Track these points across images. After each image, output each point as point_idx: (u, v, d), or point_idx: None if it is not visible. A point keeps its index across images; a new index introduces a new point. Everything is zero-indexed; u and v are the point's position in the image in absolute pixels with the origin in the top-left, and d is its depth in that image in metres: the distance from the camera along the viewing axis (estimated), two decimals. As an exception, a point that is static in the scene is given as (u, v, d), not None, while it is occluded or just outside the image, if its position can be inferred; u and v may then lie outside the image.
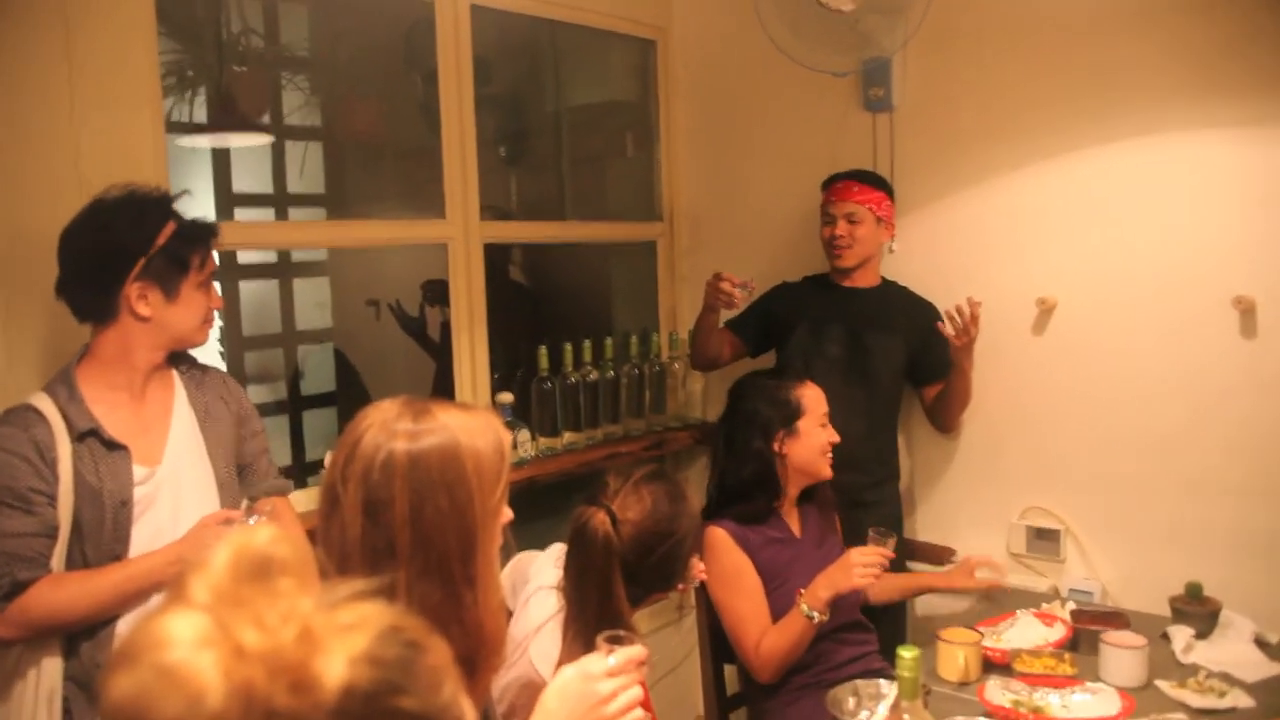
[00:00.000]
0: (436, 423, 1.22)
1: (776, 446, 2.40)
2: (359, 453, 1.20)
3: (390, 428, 1.21)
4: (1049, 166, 2.82)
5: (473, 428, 1.24)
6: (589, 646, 1.64)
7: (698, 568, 2.18)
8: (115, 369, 1.81)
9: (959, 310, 2.66)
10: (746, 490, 2.42)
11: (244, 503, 1.83)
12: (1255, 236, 2.53)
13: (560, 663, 1.70)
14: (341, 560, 1.22)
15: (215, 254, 1.91)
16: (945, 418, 2.97)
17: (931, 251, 3.02)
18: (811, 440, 2.41)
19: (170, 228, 1.79)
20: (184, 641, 0.57)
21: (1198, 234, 2.61)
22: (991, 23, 2.88)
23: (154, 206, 1.80)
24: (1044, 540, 2.89)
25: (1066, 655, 2.12)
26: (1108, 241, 2.74)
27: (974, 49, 2.92)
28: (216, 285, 1.94)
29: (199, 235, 1.84)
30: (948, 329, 2.69)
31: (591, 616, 1.67)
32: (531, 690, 1.75)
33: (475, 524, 1.21)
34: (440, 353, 3.47)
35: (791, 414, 2.40)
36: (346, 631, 0.61)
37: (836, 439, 2.45)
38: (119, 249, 1.75)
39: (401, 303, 3.84)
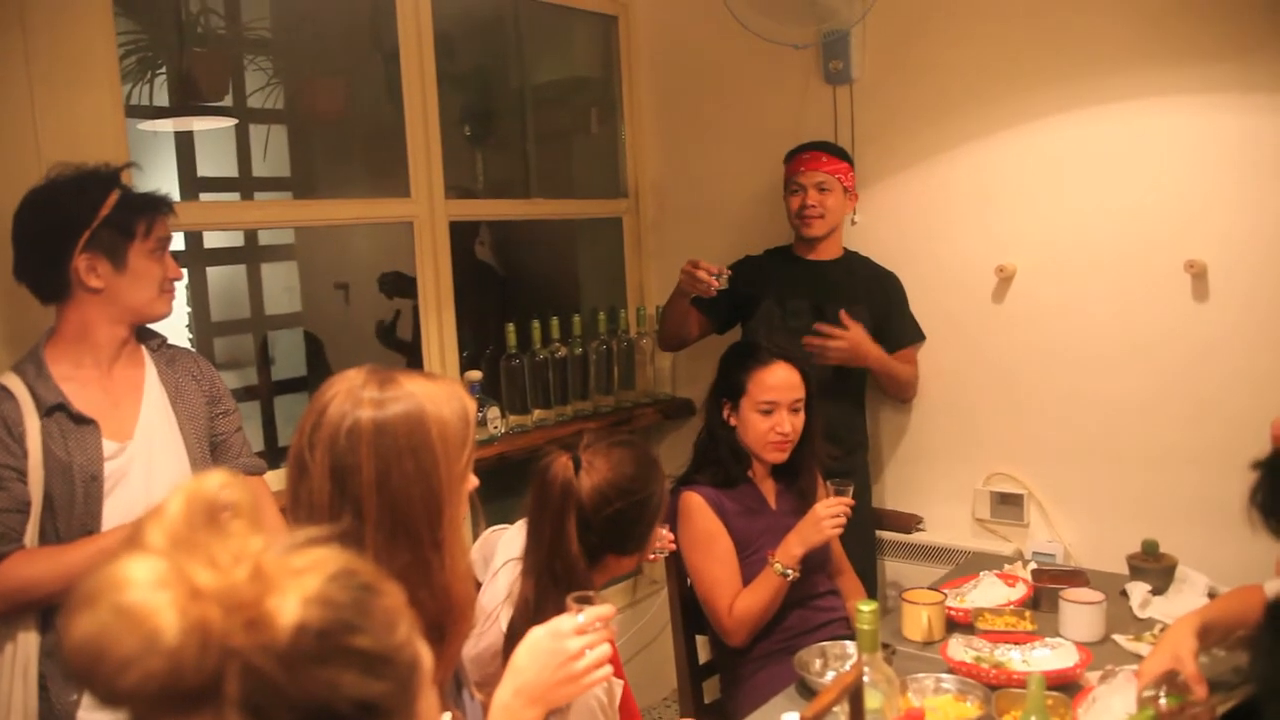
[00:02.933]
0: (402, 390, 1.24)
1: (726, 416, 2.43)
2: (325, 420, 1.22)
3: (356, 395, 1.23)
4: (1007, 136, 2.86)
5: (437, 395, 1.26)
6: (540, 585, 1.68)
7: (666, 538, 2.21)
8: (79, 346, 1.82)
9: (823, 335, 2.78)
10: (714, 453, 2.45)
11: None
12: (1206, 201, 2.58)
13: (514, 601, 1.72)
14: (310, 525, 1.24)
15: (169, 226, 1.90)
16: (893, 393, 3.04)
17: (893, 222, 3.06)
18: (749, 422, 2.40)
19: (114, 197, 1.79)
20: (140, 583, 0.59)
21: (1151, 200, 2.65)
22: (949, -6, 2.91)
23: (96, 179, 1.80)
24: (1008, 505, 2.95)
25: (1027, 613, 2.16)
26: (1065, 209, 2.78)
27: (932, 20, 2.95)
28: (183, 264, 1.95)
29: (143, 204, 1.84)
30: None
31: (544, 555, 1.69)
32: (503, 659, 1.78)
33: (441, 489, 1.23)
34: (411, 349, 3.45)
35: (735, 390, 2.41)
36: (300, 574, 0.63)
37: (784, 429, 2.38)
38: (63, 222, 1.76)
39: (382, 320, 3.83)
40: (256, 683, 0.58)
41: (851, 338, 2.80)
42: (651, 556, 2.05)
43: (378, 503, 1.21)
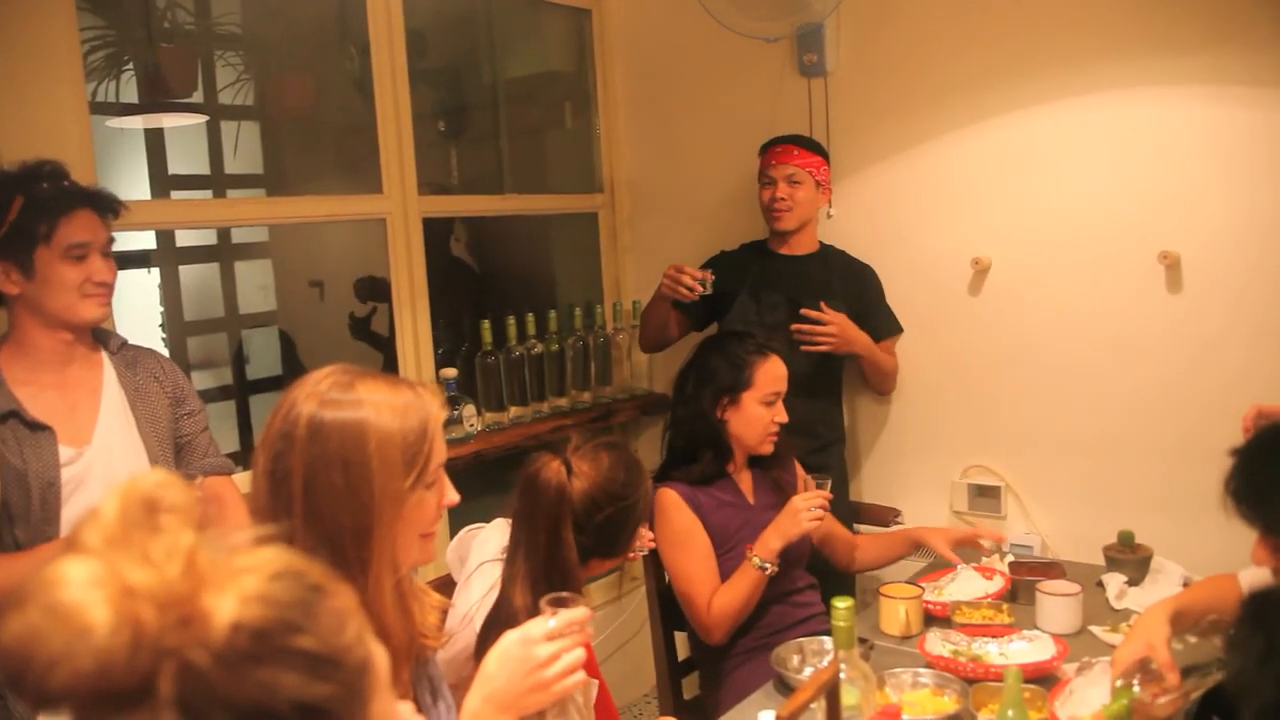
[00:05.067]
0: (352, 397, 1.20)
1: (719, 412, 2.40)
2: (277, 415, 1.20)
3: (309, 391, 1.20)
4: (982, 128, 2.85)
5: (390, 405, 1.21)
6: (535, 589, 1.64)
7: (645, 536, 2.20)
8: (26, 351, 1.80)
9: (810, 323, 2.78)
10: (694, 449, 2.43)
11: None
12: (1179, 193, 2.59)
13: (498, 604, 1.69)
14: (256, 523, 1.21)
15: (91, 227, 1.83)
16: (876, 384, 3.04)
17: (868, 215, 3.05)
18: (751, 415, 2.38)
19: (18, 202, 1.74)
20: (72, 582, 0.57)
21: (1125, 191, 2.66)
22: (923, -14, 2.91)
23: (2, 183, 1.75)
24: (985, 498, 2.95)
25: (1004, 606, 2.17)
26: (1040, 201, 2.79)
27: (907, 13, 2.94)
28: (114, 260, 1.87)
29: (48, 206, 1.76)
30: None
31: (540, 563, 1.65)
32: (475, 663, 1.76)
33: (372, 505, 1.18)
34: (386, 345, 3.42)
35: (738, 383, 2.38)
36: (240, 573, 0.61)
37: (784, 419, 2.41)
38: None
39: (354, 313, 3.80)
40: (191, 682, 0.57)
41: (838, 323, 2.81)
42: (631, 555, 2.04)
43: (303, 510, 1.17)
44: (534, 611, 1.55)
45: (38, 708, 0.57)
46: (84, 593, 0.57)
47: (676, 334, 3.07)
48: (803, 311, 2.82)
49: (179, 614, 0.58)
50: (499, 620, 1.64)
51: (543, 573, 1.66)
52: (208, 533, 0.63)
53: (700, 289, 2.81)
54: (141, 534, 0.61)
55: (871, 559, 2.62)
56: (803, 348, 2.78)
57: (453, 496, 1.31)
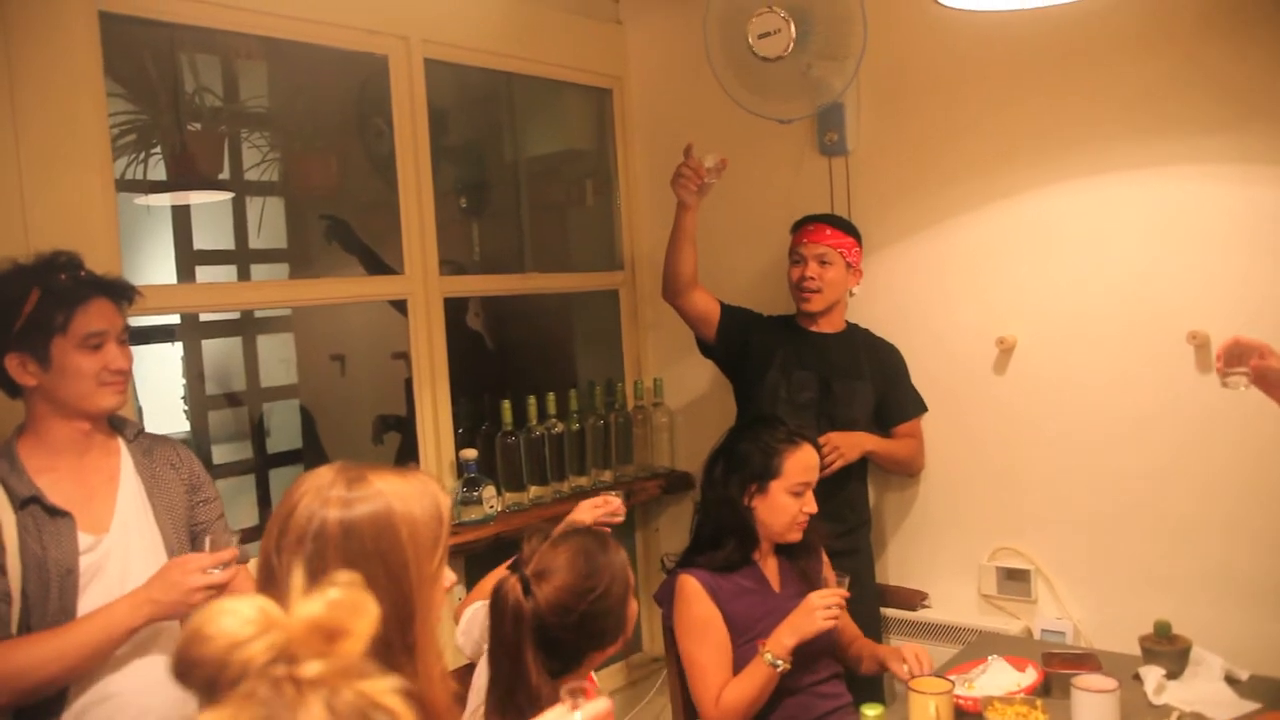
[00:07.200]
0: (370, 490, 1.20)
1: (747, 499, 2.36)
2: (293, 523, 1.19)
3: (324, 495, 1.20)
4: (1003, 206, 2.84)
5: (408, 493, 1.22)
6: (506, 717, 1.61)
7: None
8: (44, 439, 1.80)
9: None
10: (719, 535, 2.38)
11: (206, 540, 1.83)
12: (1207, 272, 2.56)
13: None
14: None
15: (108, 315, 1.83)
16: (899, 472, 3.00)
17: (891, 294, 3.03)
18: (778, 504, 2.34)
19: (35, 295, 1.75)
20: None
21: (1152, 270, 2.63)
22: (943, 66, 2.92)
23: (19, 276, 1.76)
24: (1014, 581, 2.88)
25: (1038, 702, 2.08)
26: (1065, 279, 2.76)
27: (926, 92, 2.95)
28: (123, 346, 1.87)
29: (64, 298, 1.77)
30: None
31: (503, 691, 1.63)
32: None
33: (412, 591, 1.19)
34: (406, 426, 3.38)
35: (767, 472, 2.34)
36: None
37: (813, 509, 2.36)
38: None
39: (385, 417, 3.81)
40: None
41: (829, 440, 2.73)
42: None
43: None
44: None
45: None
46: None
47: (699, 306, 2.92)
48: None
49: None
50: None
51: (509, 699, 1.64)
52: None
53: (706, 163, 2.72)
54: None
55: (865, 668, 2.50)
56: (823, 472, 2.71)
57: (451, 577, 1.31)
